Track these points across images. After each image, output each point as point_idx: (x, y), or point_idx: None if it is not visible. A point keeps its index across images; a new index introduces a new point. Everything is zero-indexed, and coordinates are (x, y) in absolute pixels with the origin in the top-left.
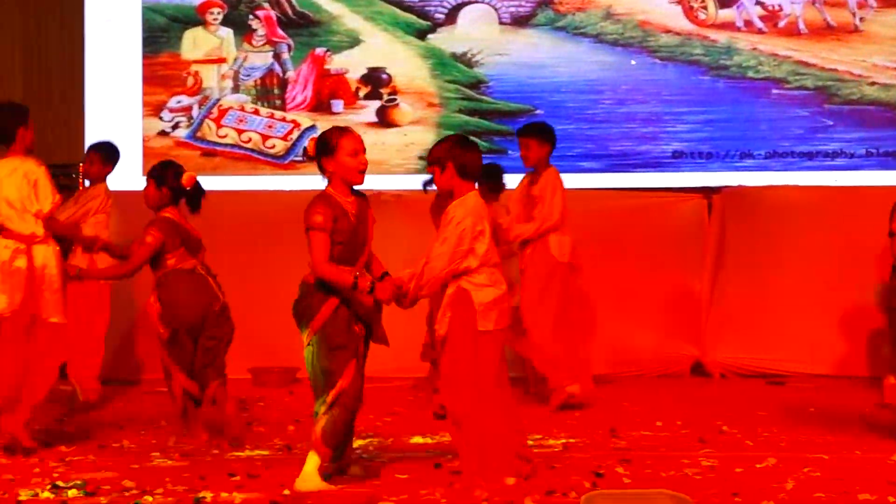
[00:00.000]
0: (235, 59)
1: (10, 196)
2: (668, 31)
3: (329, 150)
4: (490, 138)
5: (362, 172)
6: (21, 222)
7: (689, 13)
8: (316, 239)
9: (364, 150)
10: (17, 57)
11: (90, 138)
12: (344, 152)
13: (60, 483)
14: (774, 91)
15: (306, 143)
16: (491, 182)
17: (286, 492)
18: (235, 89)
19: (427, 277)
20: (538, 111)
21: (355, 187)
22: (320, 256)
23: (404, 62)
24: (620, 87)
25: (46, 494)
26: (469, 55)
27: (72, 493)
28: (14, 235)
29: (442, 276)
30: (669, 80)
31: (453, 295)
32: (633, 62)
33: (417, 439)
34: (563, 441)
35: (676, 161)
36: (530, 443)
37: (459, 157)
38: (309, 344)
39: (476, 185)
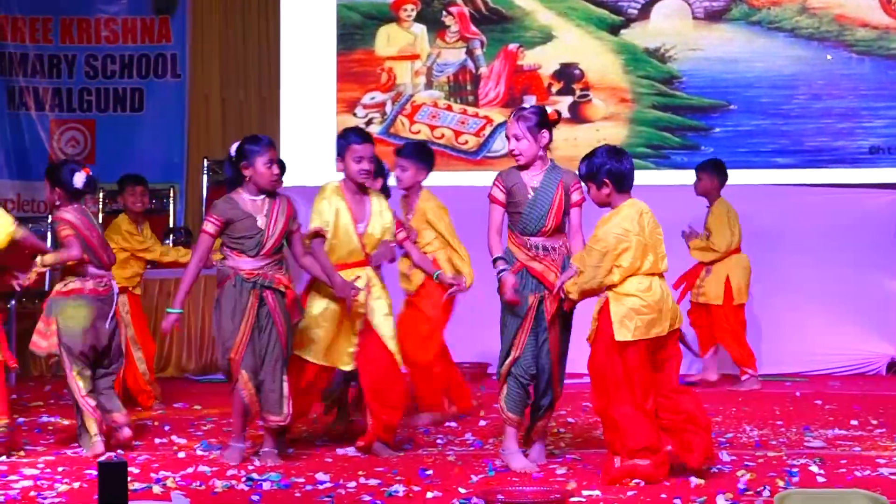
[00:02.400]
0: (429, 56)
1: None
2: (864, 25)
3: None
4: (683, 134)
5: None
6: None
7: (887, 7)
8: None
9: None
10: (215, 55)
11: (285, 135)
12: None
13: (255, 476)
14: None
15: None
16: None
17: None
18: (428, 85)
19: (578, 290)
20: (732, 106)
21: None
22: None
23: (597, 57)
24: (816, 81)
25: (242, 487)
26: (662, 50)
27: (266, 485)
28: None
29: (588, 291)
30: (866, 74)
31: (600, 304)
32: (828, 57)
33: None
34: (756, 439)
35: (873, 157)
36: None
37: (616, 171)
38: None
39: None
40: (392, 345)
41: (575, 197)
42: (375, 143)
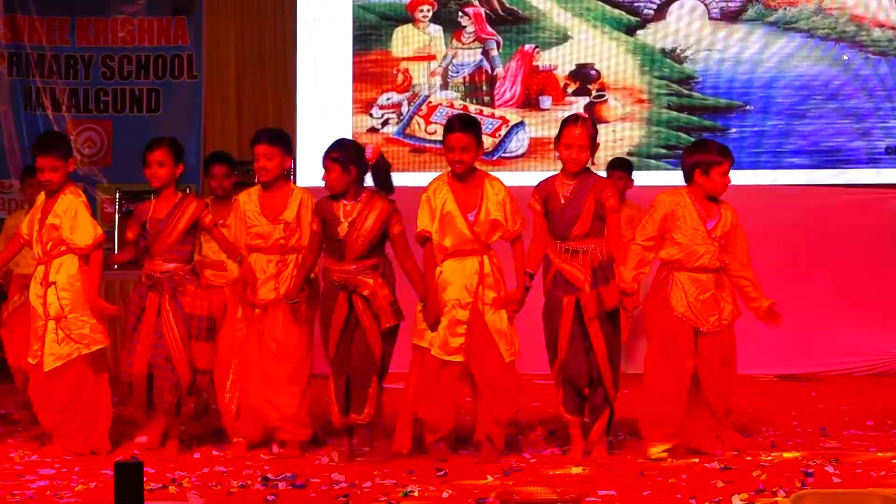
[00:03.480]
0: (445, 56)
1: None
2: (881, 26)
3: None
4: (699, 135)
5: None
6: None
7: None
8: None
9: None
10: (231, 56)
11: (302, 135)
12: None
13: (271, 476)
14: None
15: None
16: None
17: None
18: (444, 86)
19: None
20: (748, 107)
21: None
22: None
23: (613, 58)
24: (832, 82)
25: (257, 487)
26: (678, 51)
27: (282, 485)
28: None
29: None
30: (882, 74)
31: None
32: (844, 57)
33: None
34: (772, 439)
35: (890, 157)
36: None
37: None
38: None
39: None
40: (499, 338)
41: (609, 204)
42: (391, 143)
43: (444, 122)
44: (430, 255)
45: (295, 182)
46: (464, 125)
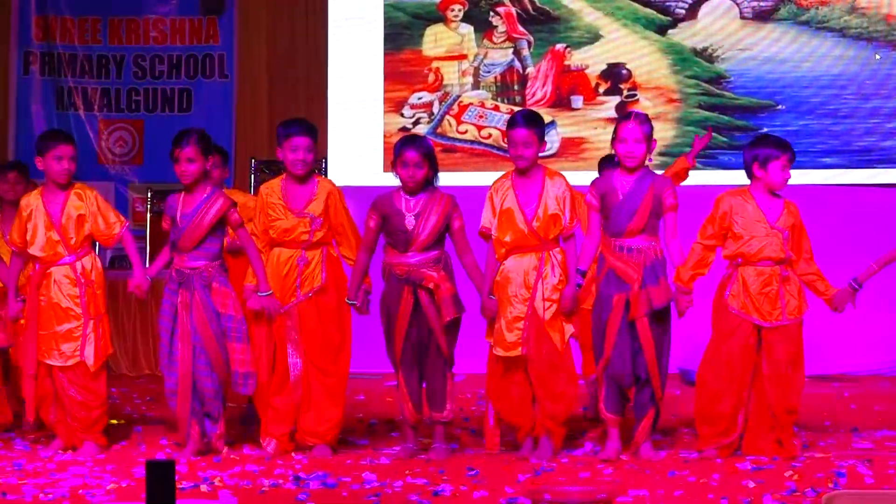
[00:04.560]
0: (476, 56)
1: None
2: None
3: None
4: (731, 134)
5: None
6: None
7: None
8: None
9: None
10: (263, 56)
11: (333, 135)
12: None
13: (303, 475)
14: None
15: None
16: None
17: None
18: (476, 86)
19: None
20: (780, 107)
21: None
22: None
23: (644, 57)
24: (864, 81)
25: (289, 486)
26: (710, 50)
27: (313, 484)
28: None
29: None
30: None
31: None
32: (877, 56)
33: None
34: (804, 439)
35: None
36: None
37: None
38: None
39: None
40: (553, 333)
41: (668, 202)
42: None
43: (475, 121)
44: (492, 251)
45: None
46: (526, 121)
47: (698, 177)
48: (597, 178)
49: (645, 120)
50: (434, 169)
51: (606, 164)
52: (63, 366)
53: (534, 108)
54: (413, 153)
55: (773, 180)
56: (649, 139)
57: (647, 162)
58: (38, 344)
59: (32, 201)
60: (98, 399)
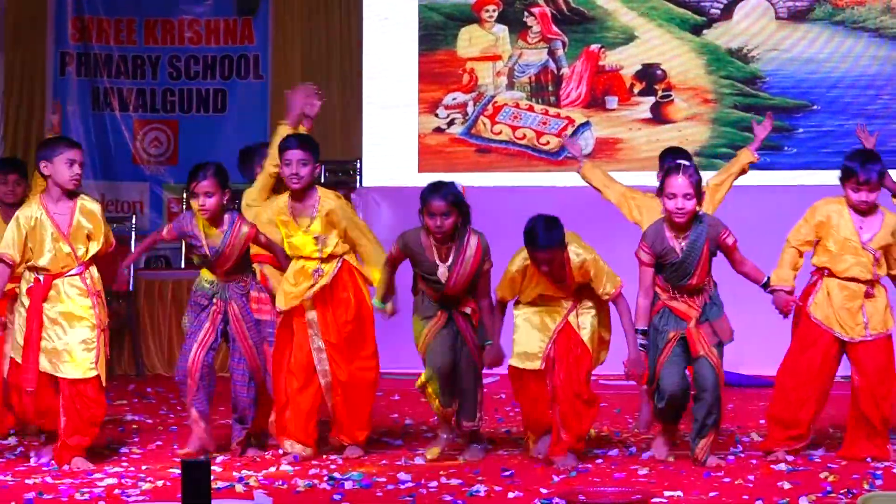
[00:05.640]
0: (510, 56)
1: None
2: None
3: None
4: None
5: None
6: None
7: None
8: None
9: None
10: (297, 56)
11: (368, 136)
12: None
13: (337, 475)
14: None
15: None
16: None
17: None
18: (510, 86)
19: None
20: (815, 107)
21: None
22: None
23: (679, 58)
24: None
25: (324, 486)
26: (745, 50)
27: (348, 484)
28: None
29: None
30: None
31: None
32: None
33: None
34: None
35: None
36: None
37: None
38: None
39: None
40: (582, 350)
41: (728, 243)
42: (457, 143)
43: (509, 122)
44: (502, 305)
45: (361, 184)
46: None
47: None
48: (649, 232)
49: (694, 172)
50: (464, 214)
51: (668, 156)
52: (76, 378)
53: (569, 108)
54: (440, 202)
55: (849, 198)
56: (699, 191)
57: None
58: (46, 358)
59: (35, 212)
60: (102, 412)
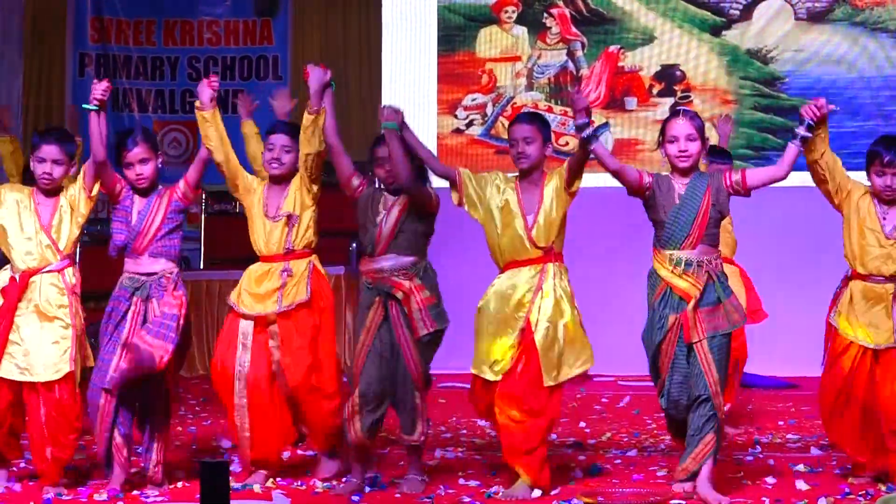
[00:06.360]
0: (529, 57)
1: None
2: None
3: None
4: (785, 135)
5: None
6: None
7: None
8: None
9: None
10: (316, 57)
11: None
12: None
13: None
14: None
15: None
16: None
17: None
18: (529, 87)
19: None
20: (835, 108)
21: None
22: None
23: (698, 59)
24: None
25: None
26: (764, 51)
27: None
28: None
29: None
30: None
31: None
32: None
33: None
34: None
35: None
36: None
37: None
38: None
39: None
40: (541, 355)
41: (734, 178)
42: (476, 144)
43: None
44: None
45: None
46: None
47: None
48: (658, 174)
49: (695, 115)
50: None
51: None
52: (48, 381)
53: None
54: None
55: (874, 185)
56: (703, 135)
57: (700, 163)
58: (11, 362)
59: (23, 199)
60: (78, 422)
